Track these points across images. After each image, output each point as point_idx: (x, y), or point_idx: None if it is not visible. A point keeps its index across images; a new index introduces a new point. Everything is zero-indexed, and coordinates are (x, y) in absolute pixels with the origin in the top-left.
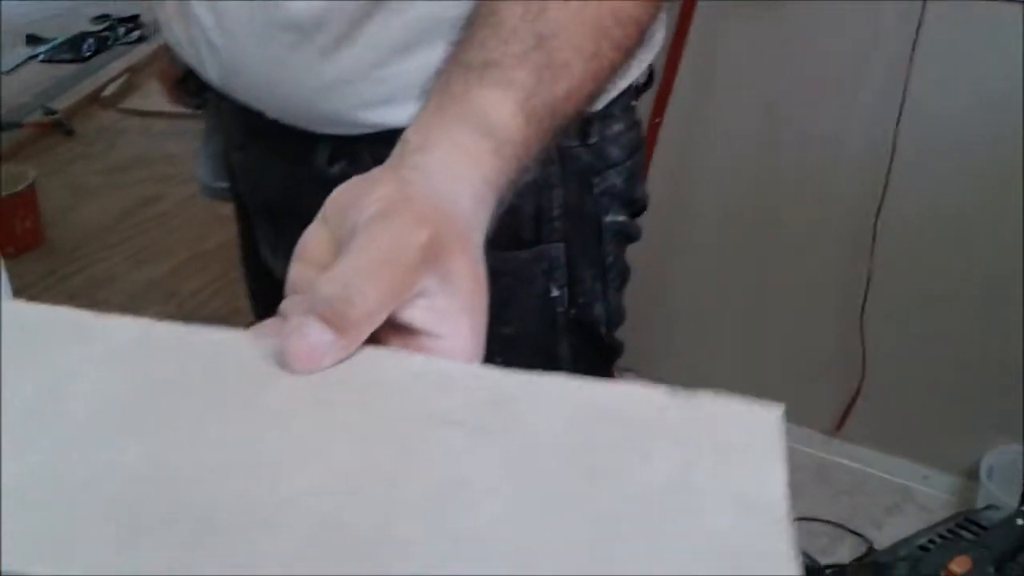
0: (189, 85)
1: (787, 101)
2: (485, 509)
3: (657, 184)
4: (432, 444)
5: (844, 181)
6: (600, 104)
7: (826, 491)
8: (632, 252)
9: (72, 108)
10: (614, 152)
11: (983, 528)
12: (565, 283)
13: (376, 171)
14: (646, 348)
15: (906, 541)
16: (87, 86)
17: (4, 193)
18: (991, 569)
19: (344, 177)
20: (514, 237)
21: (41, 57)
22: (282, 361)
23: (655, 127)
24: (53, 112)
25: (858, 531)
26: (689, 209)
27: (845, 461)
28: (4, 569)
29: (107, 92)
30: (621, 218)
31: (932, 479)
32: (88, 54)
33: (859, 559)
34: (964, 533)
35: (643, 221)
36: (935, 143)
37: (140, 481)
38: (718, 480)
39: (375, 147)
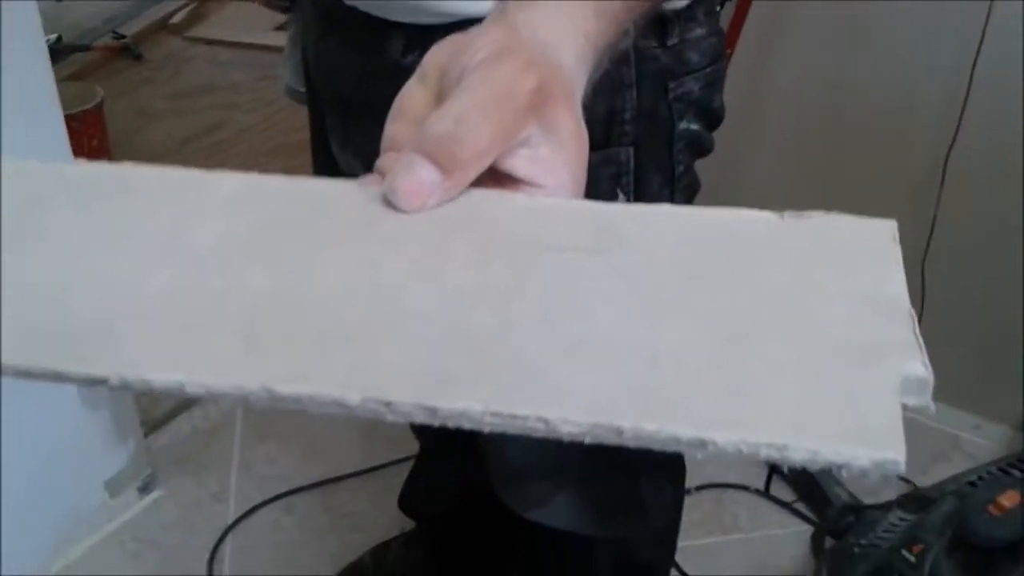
0: None
1: (863, 36)
2: (601, 315)
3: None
4: (543, 265)
5: (917, 119)
6: (682, 2)
7: None
8: (703, 167)
9: (141, 34)
10: (693, 57)
11: None
12: (631, 189)
13: (477, 27)
14: None
15: (954, 478)
16: (156, 12)
17: (74, 110)
18: None
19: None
20: None
21: None
22: (389, 200)
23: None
24: (122, 37)
25: (904, 476)
26: (756, 138)
27: None
28: (132, 376)
29: (175, 19)
30: (695, 127)
31: (983, 429)
32: None
33: (905, 495)
34: (1013, 472)
35: (717, 137)
36: (1010, 88)
37: (265, 300)
38: (839, 282)
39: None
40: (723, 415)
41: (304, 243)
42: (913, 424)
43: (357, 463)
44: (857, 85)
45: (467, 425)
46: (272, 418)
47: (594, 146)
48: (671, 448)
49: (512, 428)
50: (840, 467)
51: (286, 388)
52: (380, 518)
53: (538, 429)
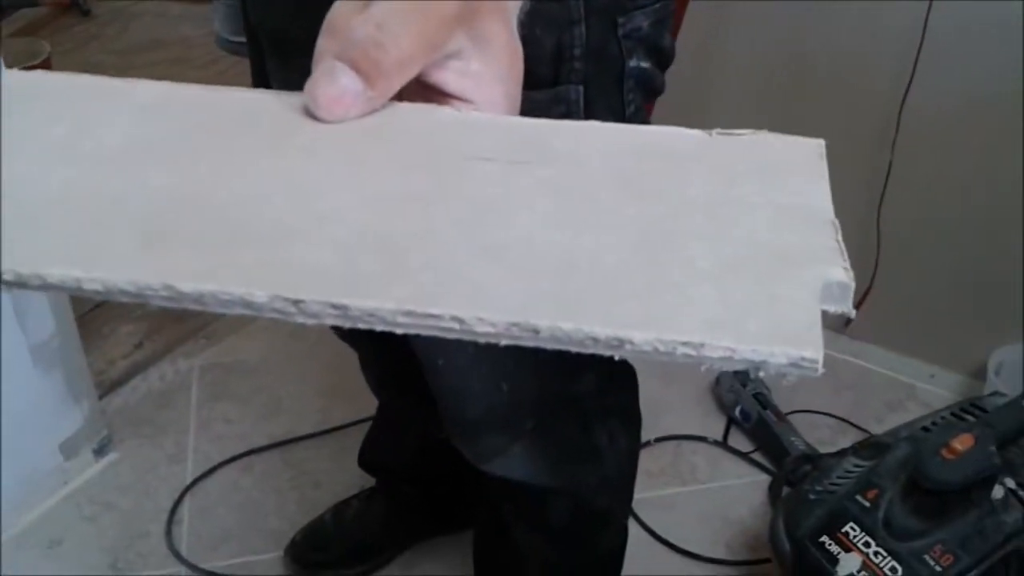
0: None
1: None
2: (523, 221)
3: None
4: (467, 174)
5: (873, 67)
6: None
7: (830, 386)
8: (660, 114)
9: None
10: None
11: (986, 412)
12: None
13: None
14: None
15: (908, 424)
16: None
17: (19, 67)
18: (993, 447)
19: None
20: (531, 76)
21: None
22: (309, 110)
23: None
24: None
25: (860, 425)
26: (714, 78)
27: (850, 358)
28: (26, 271)
29: None
30: (645, 65)
31: (938, 378)
32: None
33: (860, 442)
34: (967, 417)
35: (670, 81)
36: (966, 35)
37: (171, 201)
38: (765, 194)
39: None
40: (641, 315)
41: (217, 150)
42: (868, 373)
43: (316, 423)
44: (817, 35)
45: (379, 326)
46: (229, 378)
47: (542, 84)
48: (588, 350)
49: (426, 329)
50: (758, 366)
51: (188, 285)
52: (340, 476)
53: (452, 329)
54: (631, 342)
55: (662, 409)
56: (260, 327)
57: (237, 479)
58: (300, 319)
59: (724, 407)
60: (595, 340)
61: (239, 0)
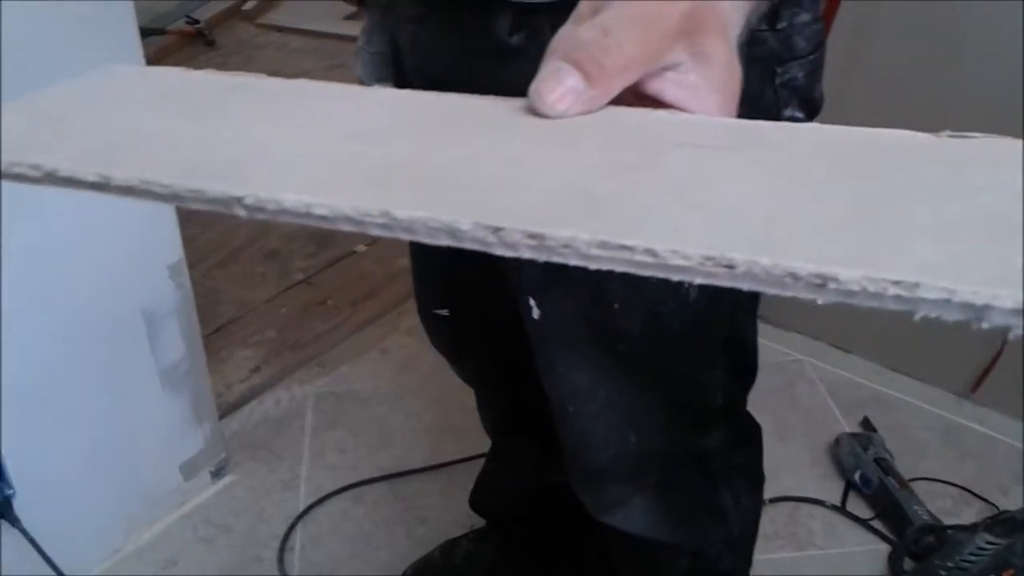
0: None
1: (955, 33)
2: (731, 188)
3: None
4: (676, 155)
5: (1015, 116)
6: None
7: (953, 453)
8: None
9: (214, 19)
10: (800, 43)
11: None
12: None
13: None
14: None
15: None
16: None
17: None
18: None
19: (523, 48)
20: None
21: None
22: (533, 106)
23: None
24: (196, 22)
25: (984, 496)
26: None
27: (975, 425)
28: (265, 195)
29: (248, 6)
30: (799, 115)
31: None
32: None
33: (992, 517)
34: None
35: None
36: None
37: (398, 161)
38: (994, 180)
39: (555, 17)
40: (849, 254)
41: (445, 133)
42: (994, 442)
43: (426, 457)
44: (947, 83)
45: (573, 260)
46: (342, 408)
47: None
48: (788, 291)
49: (620, 264)
50: (979, 313)
51: (402, 212)
52: (449, 513)
53: (646, 263)
54: (836, 279)
55: (778, 469)
56: (371, 358)
57: (348, 509)
58: (499, 250)
59: (843, 470)
60: (795, 278)
61: (388, 47)
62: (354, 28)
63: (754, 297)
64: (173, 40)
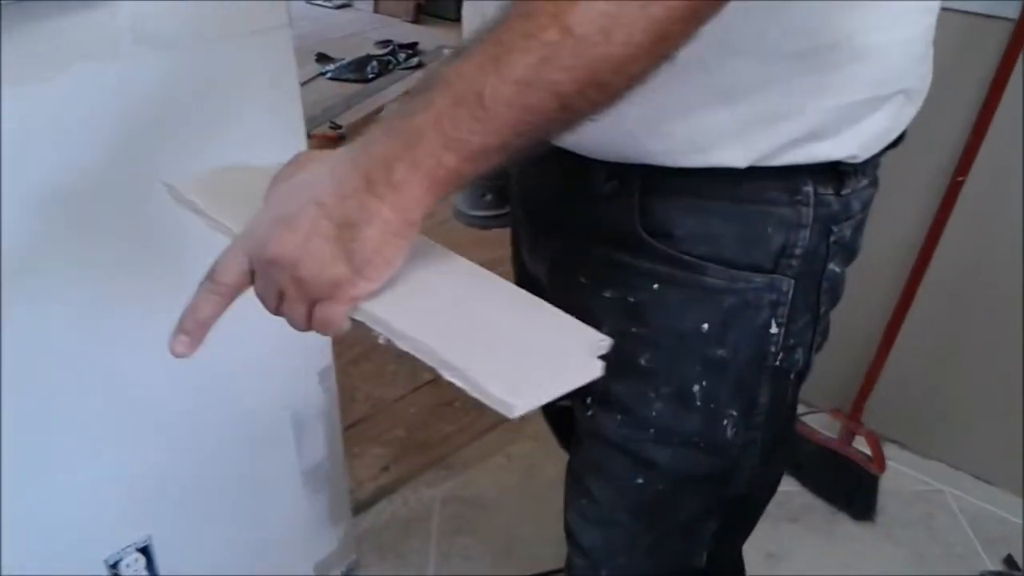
0: None
1: None
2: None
3: (955, 249)
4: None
5: None
6: (862, 157)
7: None
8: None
9: (355, 124)
10: (856, 205)
11: None
12: (784, 322)
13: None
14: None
15: None
16: (368, 105)
17: None
18: None
19: (614, 195)
20: (753, 261)
21: (329, 75)
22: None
23: (957, 185)
24: (338, 127)
25: None
26: (981, 278)
27: None
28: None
29: (386, 111)
30: (839, 269)
31: None
32: (371, 76)
33: None
34: None
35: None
36: None
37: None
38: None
39: (646, 172)
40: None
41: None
42: None
43: (553, 565)
44: None
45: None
46: (468, 513)
47: (762, 269)
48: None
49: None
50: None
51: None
52: None
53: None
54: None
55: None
56: (496, 463)
57: None
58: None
59: None
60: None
61: (500, 173)
62: None
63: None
64: (316, 143)
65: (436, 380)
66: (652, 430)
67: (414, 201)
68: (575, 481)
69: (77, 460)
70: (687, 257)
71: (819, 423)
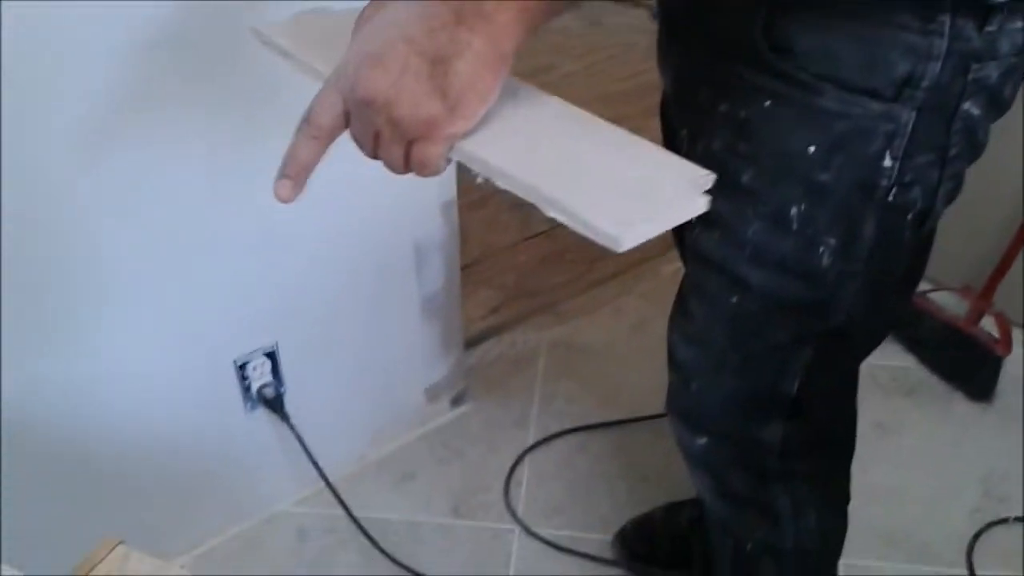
0: None
1: None
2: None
3: None
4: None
5: None
6: None
7: None
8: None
9: None
10: (1004, 46)
11: None
12: (900, 156)
13: None
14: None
15: None
16: None
17: None
18: None
19: (744, 6)
20: (871, 86)
21: None
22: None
23: None
24: None
25: None
26: None
27: None
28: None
29: None
30: (977, 112)
31: None
32: None
33: None
34: None
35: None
36: None
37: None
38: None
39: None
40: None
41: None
42: None
43: (656, 412)
44: None
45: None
46: (573, 358)
47: (881, 97)
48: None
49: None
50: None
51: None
52: (670, 475)
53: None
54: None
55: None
56: (605, 315)
57: (572, 456)
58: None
59: None
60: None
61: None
62: None
63: (907, 278)
64: None
65: (547, 232)
66: (748, 249)
67: (506, 32)
68: (680, 301)
69: (213, 268)
70: (803, 75)
71: (946, 302)
